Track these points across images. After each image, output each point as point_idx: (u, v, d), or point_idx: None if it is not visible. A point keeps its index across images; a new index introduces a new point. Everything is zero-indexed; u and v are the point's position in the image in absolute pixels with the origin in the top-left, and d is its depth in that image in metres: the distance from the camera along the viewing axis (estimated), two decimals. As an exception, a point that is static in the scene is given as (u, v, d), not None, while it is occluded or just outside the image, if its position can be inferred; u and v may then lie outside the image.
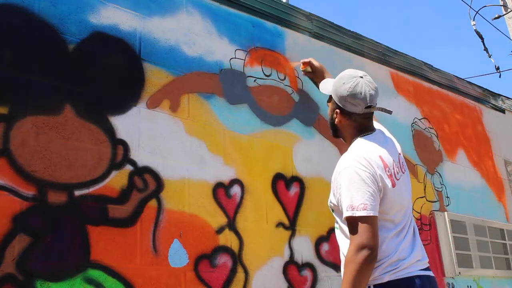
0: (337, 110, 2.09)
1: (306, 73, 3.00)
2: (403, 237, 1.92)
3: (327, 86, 2.27)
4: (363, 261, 1.75)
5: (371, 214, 1.79)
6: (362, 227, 1.78)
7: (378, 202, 1.85)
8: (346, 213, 1.82)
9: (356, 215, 1.79)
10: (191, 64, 2.59)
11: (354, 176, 1.85)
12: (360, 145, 1.99)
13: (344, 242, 1.96)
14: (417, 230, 2.04)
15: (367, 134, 2.04)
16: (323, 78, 2.79)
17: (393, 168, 1.95)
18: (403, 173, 2.03)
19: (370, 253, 1.76)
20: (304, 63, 2.98)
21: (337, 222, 2.03)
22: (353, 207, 1.80)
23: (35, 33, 2.10)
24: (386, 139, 2.09)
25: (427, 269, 1.95)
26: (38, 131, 1.99)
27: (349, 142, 2.09)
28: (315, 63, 2.92)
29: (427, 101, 4.09)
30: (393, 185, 1.91)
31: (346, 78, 2.05)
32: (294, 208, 2.77)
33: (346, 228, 1.92)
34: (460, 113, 4.38)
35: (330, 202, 2.02)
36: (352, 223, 1.82)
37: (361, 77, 2.03)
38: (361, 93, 1.99)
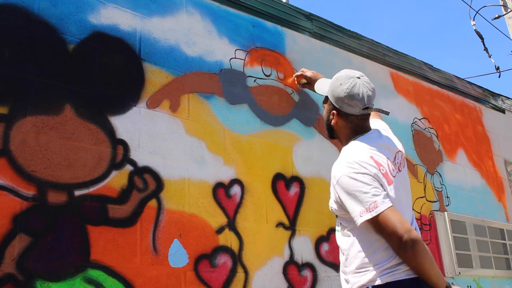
0: (334, 112, 2.07)
1: (302, 85, 2.99)
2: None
3: (323, 87, 2.26)
4: (412, 251, 1.73)
5: (386, 207, 1.78)
6: (385, 223, 1.76)
7: (385, 193, 1.83)
8: (362, 219, 1.80)
9: (373, 216, 1.78)
10: (191, 64, 2.59)
11: (351, 181, 1.84)
12: (351, 149, 1.98)
13: (345, 243, 1.96)
14: (418, 228, 2.03)
15: (361, 136, 2.03)
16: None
17: (387, 166, 1.94)
18: (400, 171, 2.02)
19: (409, 240, 1.73)
20: (297, 77, 2.98)
21: (338, 225, 2.02)
22: (366, 210, 1.79)
23: (35, 33, 2.10)
24: (380, 138, 2.07)
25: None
26: (38, 131, 1.99)
27: (344, 143, 2.08)
28: (307, 73, 2.91)
29: (427, 101, 4.09)
30: (390, 183, 1.90)
31: (343, 79, 2.03)
32: (294, 208, 2.77)
33: (348, 231, 1.91)
34: (460, 113, 4.39)
35: (332, 207, 2.01)
36: (375, 224, 1.80)
37: (358, 77, 2.02)
38: (358, 94, 1.98)
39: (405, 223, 1.77)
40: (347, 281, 1.93)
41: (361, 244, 1.87)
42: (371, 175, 1.85)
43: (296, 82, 3.01)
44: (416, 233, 1.76)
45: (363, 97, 1.98)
